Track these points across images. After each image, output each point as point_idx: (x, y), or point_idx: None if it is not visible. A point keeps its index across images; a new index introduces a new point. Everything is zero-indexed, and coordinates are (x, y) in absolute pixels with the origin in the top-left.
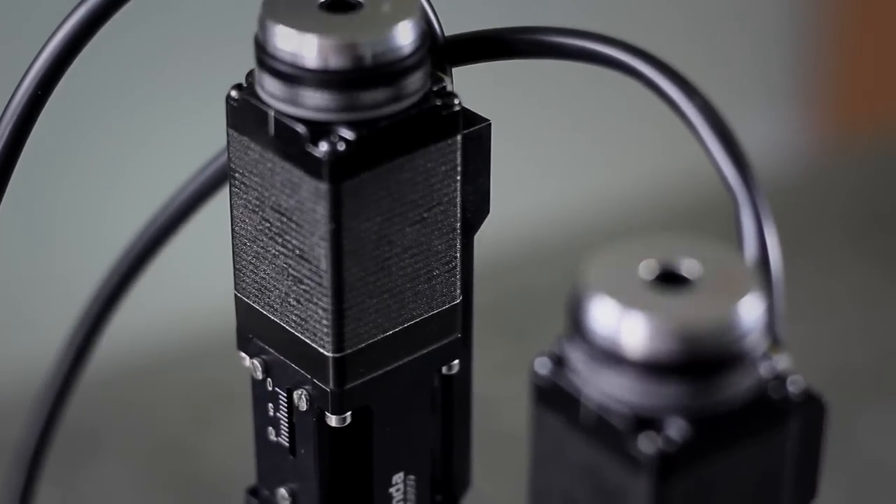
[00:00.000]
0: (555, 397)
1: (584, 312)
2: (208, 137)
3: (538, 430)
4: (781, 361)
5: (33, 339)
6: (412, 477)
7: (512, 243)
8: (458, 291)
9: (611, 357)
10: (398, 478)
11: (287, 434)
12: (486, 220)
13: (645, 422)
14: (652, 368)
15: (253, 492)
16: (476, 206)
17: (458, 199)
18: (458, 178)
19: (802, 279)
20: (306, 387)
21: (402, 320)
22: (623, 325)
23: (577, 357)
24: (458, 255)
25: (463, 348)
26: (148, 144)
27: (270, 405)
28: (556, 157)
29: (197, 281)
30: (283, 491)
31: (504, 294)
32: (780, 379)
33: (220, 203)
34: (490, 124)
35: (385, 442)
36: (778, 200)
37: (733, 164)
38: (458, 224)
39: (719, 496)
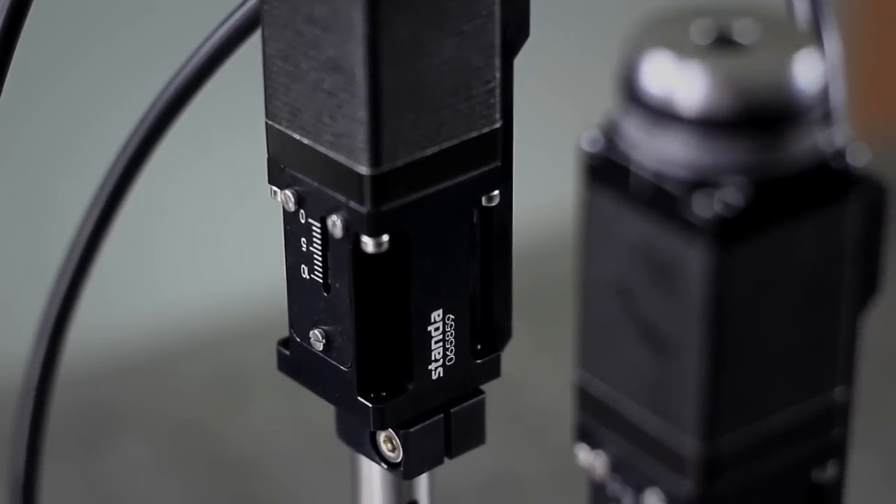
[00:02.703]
0: (606, 172)
1: (637, 72)
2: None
3: (589, 212)
4: (841, 135)
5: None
6: (451, 317)
7: (540, 231)
8: (498, 115)
9: (666, 116)
10: (437, 315)
11: (321, 268)
12: (517, 208)
13: (702, 185)
14: (708, 124)
15: (284, 343)
16: (516, 27)
17: (498, 16)
18: None
19: None
20: (341, 212)
21: (440, 139)
22: (679, 78)
23: (629, 125)
24: (498, 75)
25: (503, 181)
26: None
27: (303, 239)
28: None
29: (218, 268)
30: (316, 332)
31: (532, 281)
32: (840, 152)
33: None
34: None
35: (423, 275)
36: None
37: None
38: (498, 42)
39: (779, 277)
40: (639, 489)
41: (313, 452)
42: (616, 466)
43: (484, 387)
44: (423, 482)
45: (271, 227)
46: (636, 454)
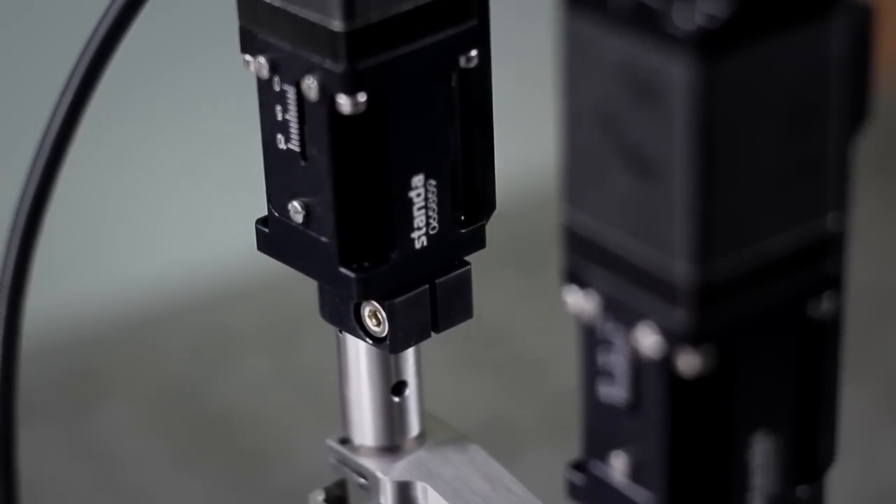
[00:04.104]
0: None
1: None
2: None
3: (568, 39)
4: None
5: None
6: (433, 182)
7: (525, 184)
8: None
9: None
10: (418, 181)
11: (297, 136)
12: (502, 163)
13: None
14: None
15: (263, 221)
16: None
17: None
18: None
19: None
20: (316, 73)
21: None
22: None
23: None
24: None
25: (480, 41)
26: None
27: (278, 107)
28: None
29: (202, 229)
30: (295, 204)
31: (519, 232)
32: None
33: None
34: None
35: (402, 138)
36: None
37: None
38: None
39: (765, 95)
40: (630, 326)
41: (299, 409)
42: (606, 305)
43: (473, 333)
44: (410, 362)
45: (251, 190)
46: (627, 289)
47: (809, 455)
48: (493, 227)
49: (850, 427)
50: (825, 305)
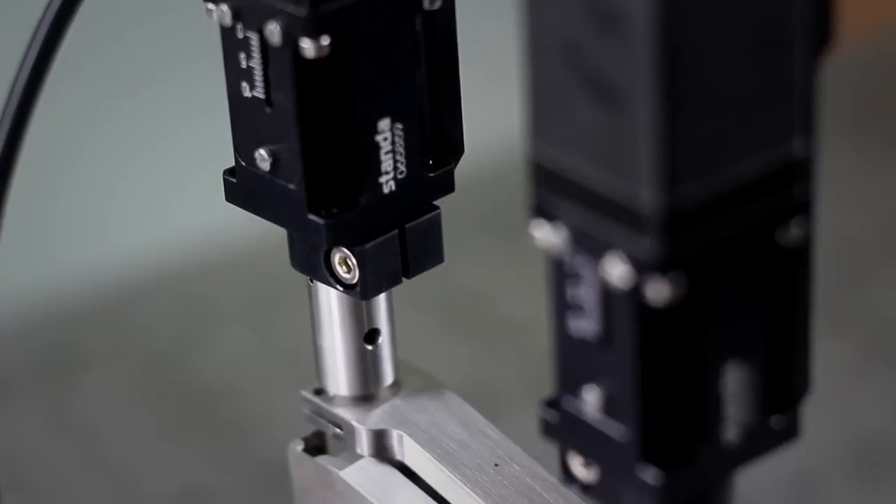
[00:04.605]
0: None
1: None
2: None
3: None
4: None
5: None
6: (399, 126)
7: (505, 154)
8: None
9: None
10: (384, 125)
11: (262, 82)
12: (482, 130)
13: None
14: None
15: (231, 171)
16: None
17: None
18: None
19: None
20: (279, 17)
21: None
22: None
23: None
24: None
25: None
26: None
27: (242, 55)
28: None
29: (186, 202)
30: (262, 152)
31: (498, 199)
32: None
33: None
34: None
35: (367, 81)
36: None
37: None
38: None
39: (728, 18)
40: (599, 257)
41: (281, 380)
42: (575, 238)
43: (454, 300)
44: (382, 309)
45: (231, 162)
46: (594, 220)
47: (783, 384)
48: (473, 195)
49: (831, 378)
50: (794, 232)
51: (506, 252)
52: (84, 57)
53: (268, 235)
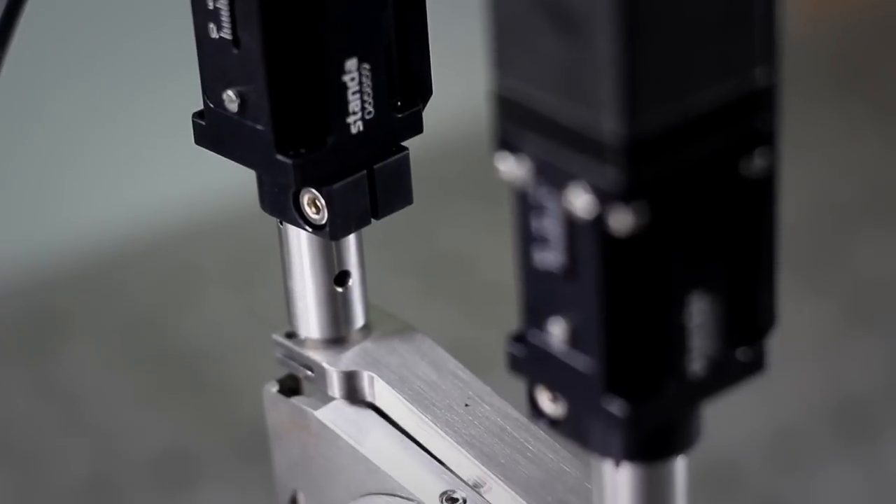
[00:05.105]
0: None
1: None
2: None
3: None
4: None
5: None
6: (367, 66)
7: (479, 121)
8: None
9: None
10: (352, 65)
11: (229, 22)
12: (458, 100)
13: None
14: None
15: (199, 114)
16: None
17: None
18: None
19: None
20: None
21: None
22: None
23: None
24: None
25: None
26: None
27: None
28: None
29: (168, 168)
30: (230, 93)
31: (476, 165)
32: None
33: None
34: None
35: (333, 20)
36: None
37: None
38: None
39: None
40: (563, 188)
41: (263, 344)
42: (538, 169)
43: (436, 262)
44: (352, 251)
45: None
46: (557, 151)
47: (749, 317)
48: (452, 158)
49: (813, 337)
50: (757, 162)
51: (488, 214)
52: (62, 19)
53: (250, 200)
